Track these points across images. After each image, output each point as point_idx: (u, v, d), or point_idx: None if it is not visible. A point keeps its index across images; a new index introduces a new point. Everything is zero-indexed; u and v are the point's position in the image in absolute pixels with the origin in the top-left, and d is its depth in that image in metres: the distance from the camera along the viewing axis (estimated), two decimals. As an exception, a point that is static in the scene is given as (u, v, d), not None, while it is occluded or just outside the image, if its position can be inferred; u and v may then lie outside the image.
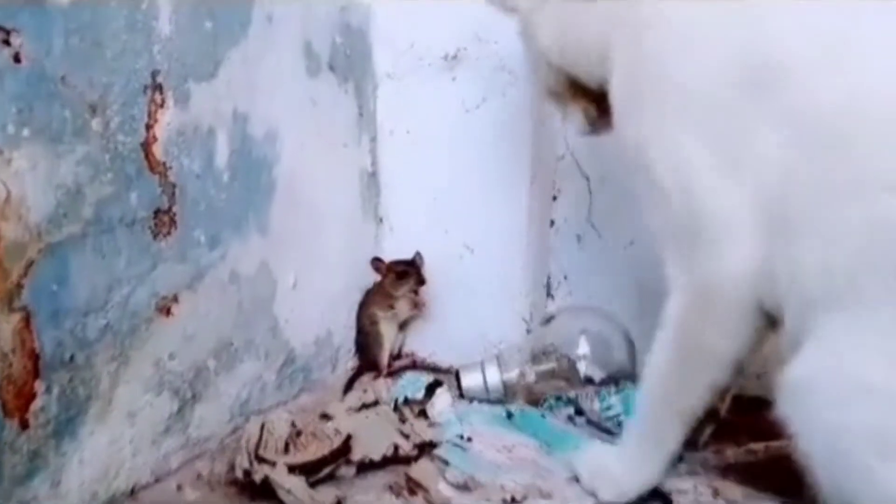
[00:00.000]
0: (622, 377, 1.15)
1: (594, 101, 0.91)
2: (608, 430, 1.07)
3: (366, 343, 1.31)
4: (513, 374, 1.16)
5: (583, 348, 1.17)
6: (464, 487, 0.89)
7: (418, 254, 1.30)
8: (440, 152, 1.32)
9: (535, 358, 1.18)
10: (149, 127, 0.87)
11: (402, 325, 1.34)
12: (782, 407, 0.72)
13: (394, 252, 1.38)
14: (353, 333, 1.33)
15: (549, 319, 1.27)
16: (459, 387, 1.17)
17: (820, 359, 0.69)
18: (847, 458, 0.66)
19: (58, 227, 0.77)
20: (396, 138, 1.36)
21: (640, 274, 1.29)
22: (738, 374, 0.93)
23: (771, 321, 0.78)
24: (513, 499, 0.86)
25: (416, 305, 1.31)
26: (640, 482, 0.87)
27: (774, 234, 0.73)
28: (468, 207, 1.31)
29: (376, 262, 1.29)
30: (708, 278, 0.78)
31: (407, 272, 1.28)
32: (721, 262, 0.77)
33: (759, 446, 0.98)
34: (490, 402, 1.15)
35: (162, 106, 0.89)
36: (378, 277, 1.31)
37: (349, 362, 1.32)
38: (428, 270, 1.30)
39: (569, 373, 1.17)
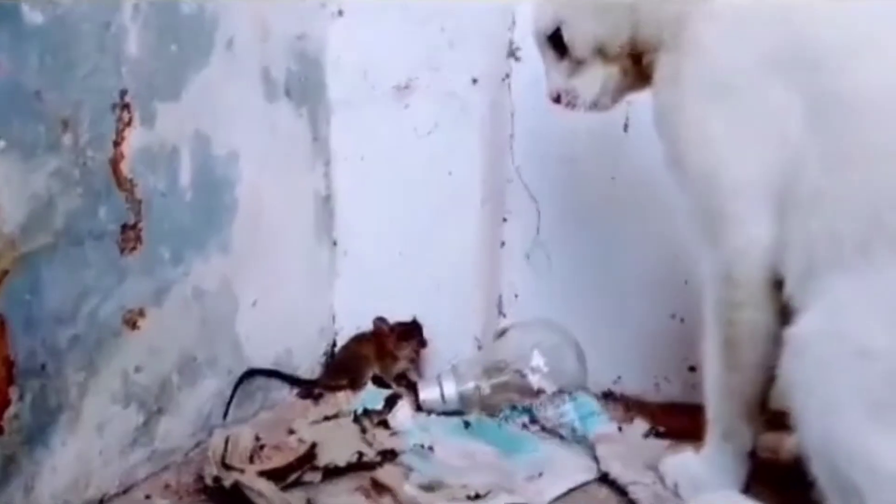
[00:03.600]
0: (574, 387, 1.20)
1: (622, 70, 0.96)
2: (562, 435, 1.11)
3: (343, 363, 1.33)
4: (469, 387, 1.20)
5: (536, 361, 1.22)
6: (429, 488, 0.92)
7: (416, 321, 1.32)
8: (393, 177, 1.37)
9: (490, 371, 1.22)
10: (116, 144, 0.90)
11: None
12: (783, 365, 0.76)
13: (348, 276, 1.42)
14: (311, 355, 1.35)
15: (502, 333, 1.32)
16: (417, 400, 1.20)
17: (823, 320, 0.73)
18: (838, 417, 0.70)
19: (31, 238, 0.79)
20: (351, 164, 1.40)
21: (587, 291, 1.35)
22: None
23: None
24: (477, 495, 0.89)
25: (413, 361, 1.33)
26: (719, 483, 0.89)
27: (787, 208, 0.80)
28: (421, 230, 1.35)
29: (378, 322, 1.29)
30: (730, 256, 0.84)
31: (411, 333, 1.30)
32: (740, 238, 0.83)
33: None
34: (447, 414, 1.18)
35: (129, 124, 0.92)
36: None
37: (307, 382, 1.34)
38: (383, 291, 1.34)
39: (522, 385, 1.21)
